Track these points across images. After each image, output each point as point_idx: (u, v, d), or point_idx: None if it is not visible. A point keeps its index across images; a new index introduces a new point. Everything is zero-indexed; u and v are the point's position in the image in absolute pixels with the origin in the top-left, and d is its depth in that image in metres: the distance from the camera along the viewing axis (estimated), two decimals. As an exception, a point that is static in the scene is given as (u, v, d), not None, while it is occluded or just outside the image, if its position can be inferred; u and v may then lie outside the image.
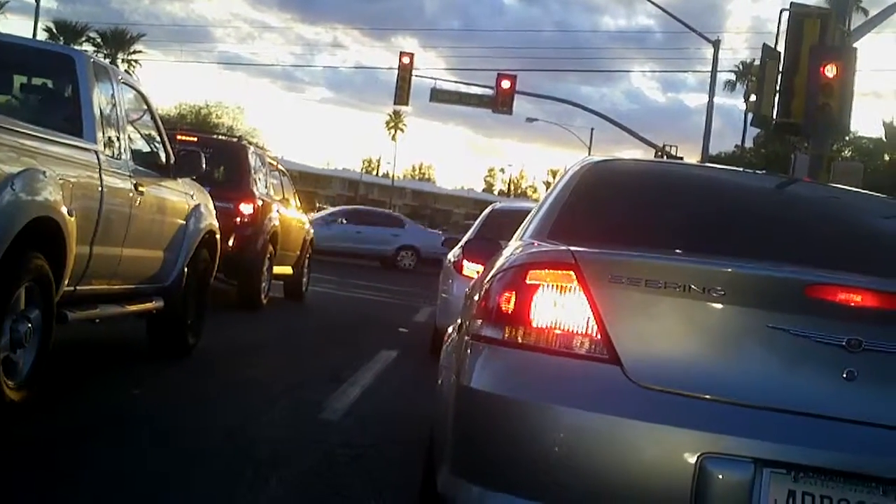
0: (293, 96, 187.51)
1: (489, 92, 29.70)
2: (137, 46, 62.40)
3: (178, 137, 10.78)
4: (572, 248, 2.76)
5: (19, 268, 4.50)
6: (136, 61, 61.57)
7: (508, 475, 2.58)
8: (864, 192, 4.55)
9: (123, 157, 5.97)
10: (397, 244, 26.13)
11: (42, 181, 4.60)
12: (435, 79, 32.93)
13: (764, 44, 15.93)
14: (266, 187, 12.00)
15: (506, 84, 28.56)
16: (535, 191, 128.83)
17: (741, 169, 5.82)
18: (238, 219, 10.95)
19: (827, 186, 5.37)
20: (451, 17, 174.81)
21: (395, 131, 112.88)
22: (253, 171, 11.55)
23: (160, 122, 7.05)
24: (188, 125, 42.08)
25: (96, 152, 5.48)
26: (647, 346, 2.57)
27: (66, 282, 5.08)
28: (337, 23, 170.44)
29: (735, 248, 3.12)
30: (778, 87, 14.78)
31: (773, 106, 14.92)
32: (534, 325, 2.65)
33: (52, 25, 56.91)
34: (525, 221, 3.68)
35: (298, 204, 14.08)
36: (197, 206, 7.24)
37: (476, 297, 3.08)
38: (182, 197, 7.02)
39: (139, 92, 6.76)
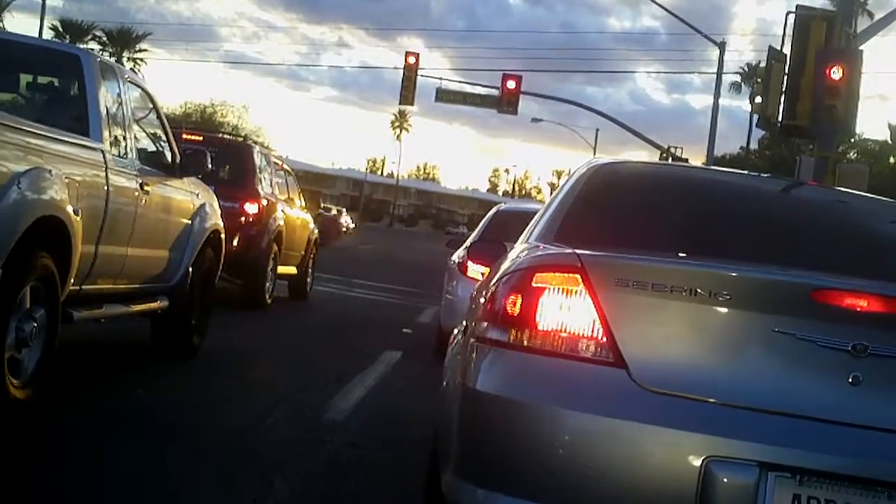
0: (298, 95, 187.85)
1: (494, 92, 29.69)
2: (143, 45, 62.61)
3: (184, 136, 10.80)
4: (578, 251, 2.76)
5: (25, 267, 4.50)
6: (141, 60, 61.73)
7: (513, 477, 2.58)
8: (869, 196, 4.54)
9: (129, 156, 5.98)
10: None
11: (48, 180, 4.61)
12: (440, 79, 33.05)
13: (770, 46, 15.92)
14: (271, 187, 12.01)
15: (511, 84, 28.55)
16: (539, 191, 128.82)
17: (747, 172, 5.81)
18: (243, 218, 10.96)
19: (832, 190, 5.36)
20: (456, 17, 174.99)
21: (400, 131, 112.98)
22: (258, 171, 11.56)
23: (166, 121, 7.06)
24: (193, 124, 42.18)
25: (102, 151, 5.49)
26: (653, 350, 2.57)
27: (72, 281, 5.09)
28: (342, 22, 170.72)
29: (741, 251, 3.12)
30: (783, 89, 14.75)
31: (779, 108, 14.89)
32: (540, 328, 2.65)
33: (58, 24, 57.11)
34: (531, 224, 3.68)
35: (303, 203, 14.08)
36: (202, 206, 7.25)
37: (482, 300, 3.08)
38: (187, 196, 7.03)
39: (145, 91, 6.77)
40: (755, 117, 19.95)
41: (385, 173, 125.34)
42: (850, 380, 2.49)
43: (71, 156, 5.03)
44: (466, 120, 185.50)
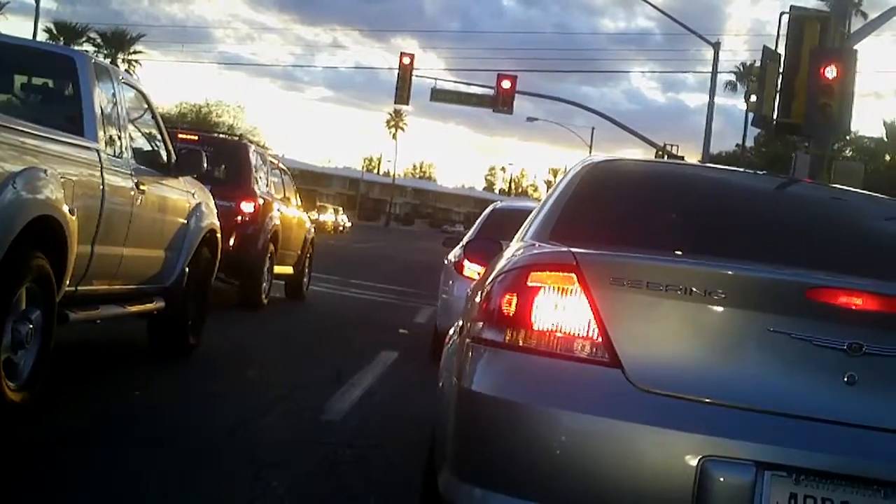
0: (293, 95, 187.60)
1: (489, 92, 29.70)
2: (137, 47, 62.50)
3: (179, 136, 10.78)
4: (574, 249, 2.76)
5: (20, 268, 4.49)
6: (136, 61, 61.64)
7: (509, 477, 2.58)
8: (864, 193, 4.54)
9: (125, 155, 5.97)
10: None
11: (43, 180, 4.60)
12: (435, 79, 32.89)
13: (764, 45, 15.98)
14: (267, 186, 11.99)
15: (506, 84, 28.56)
16: (535, 189, 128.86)
17: (742, 170, 5.81)
18: (239, 218, 10.93)
19: (828, 187, 5.37)
20: (450, 18, 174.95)
21: (396, 130, 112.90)
22: (254, 170, 11.54)
23: (161, 121, 7.05)
24: (189, 124, 42.09)
25: (98, 151, 5.48)
26: (649, 349, 2.57)
27: (68, 282, 5.08)
28: (336, 24, 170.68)
29: (736, 250, 3.12)
30: (778, 88, 14.79)
31: (774, 106, 14.94)
32: (535, 327, 2.65)
33: (52, 26, 56.97)
34: (526, 222, 3.68)
35: (300, 203, 14.06)
36: (198, 205, 7.24)
37: (477, 299, 3.08)
38: (183, 196, 7.02)
39: (140, 91, 6.76)
40: (751, 115, 19.97)
41: (381, 172, 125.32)
42: (846, 379, 2.49)
43: (66, 156, 5.03)
44: (462, 119, 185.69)
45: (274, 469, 4.45)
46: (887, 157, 40.23)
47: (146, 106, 6.83)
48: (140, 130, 6.57)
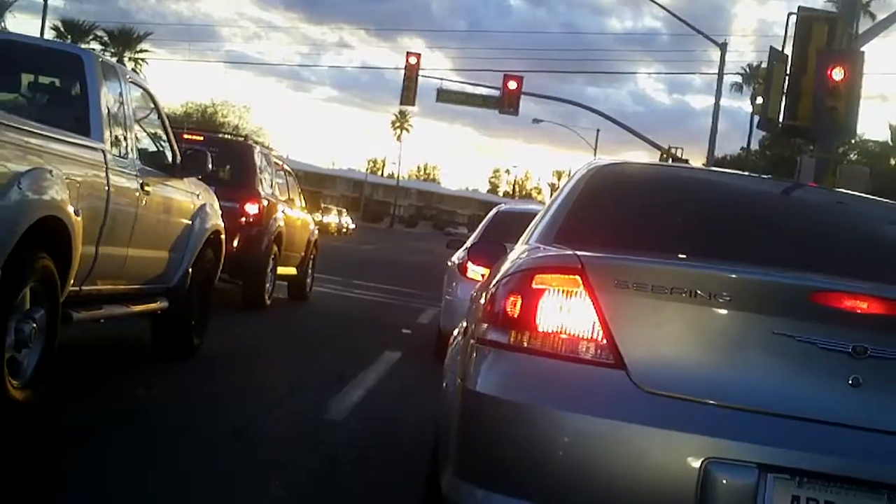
0: (299, 95, 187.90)
1: (495, 93, 29.67)
2: (144, 45, 62.60)
3: (185, 136, 10.79)
4: (578, 252, 2.76)
5: (25, 267, 4.50)
6: (142, 60, 61.74)
7: (513, 478, 2.58)
8: (870, 198, 4.54)
9: (130, 156, 5.98)
10: None
11: (49, 180, 4.61)
12: (441, 79, 33.03)
13: (771, 46, 15.93)
14: (271, 187, 12.00)
15: (512, 85, 28.54)
16: (539, 192, 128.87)
17: (747, 173, 5.81)
18: (243, 219, 10.94)
19: (833, 191, 5.35)
20: (457, 17, 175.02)
21: (401, 131, 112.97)
22: (259, 171, 11.54)
23: (167, 121, 7.06)
24: (194, 124, 42.20)
25: (103, 151, 5.49)
26: (653, 351, 2.57)
27: (72, 282, 5.09)
28: (343, 23, 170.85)
29: (741, 253, 3.11)
30: (785, 90, 14.76)
31: (780, 108, 14.90)
32: (539, 329, 2.65)
33: (59, 24, 57.08)
34: (531, 225, 3.68)
35: (304, 204, 14.07)
36: (202, 206, 7.25)
37: (482, 301, 3.08)
38: (188, 196, 7.03)
39: (146, 91, 6.77)
40: (756, 118, 19.95)
41: (386, 174, 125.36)
42: (850, 381, 2.48)
43: (72, 156, 5.03)
44: (467, 120, 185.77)
45: (276, 469, 4.46)
46: (892, 161, 40.19)
47: (153, 106, 6.84)
48: (146, 130, 6.58)
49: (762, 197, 4.06)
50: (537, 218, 3.69)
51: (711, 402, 2.50)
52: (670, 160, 28.63)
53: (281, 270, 12.14)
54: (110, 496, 3.90)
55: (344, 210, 60.16)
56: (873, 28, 17.10)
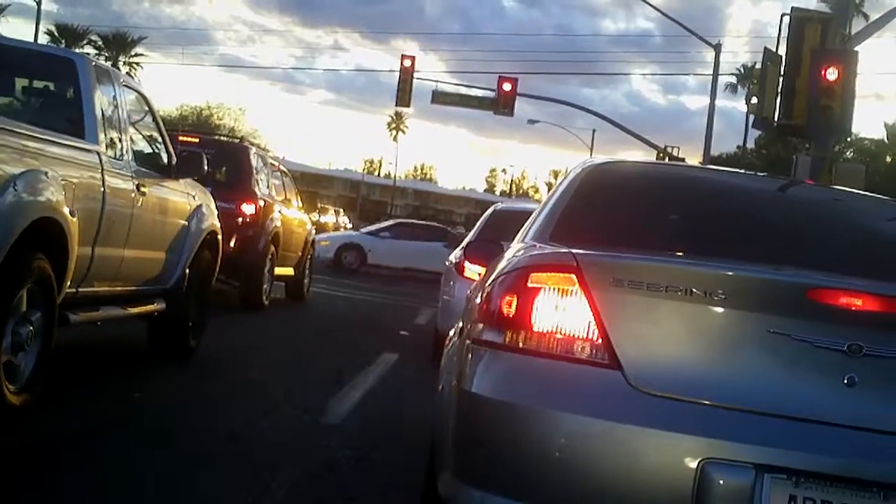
0: (294, 98, 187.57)
1: (490, 94, 29.69)
2: (138, 49, 62.53)
3: (180, 138, 10.79)
4: (574, 250, 2.75)
5: (21, 269, 4.49)
6: (137, 64, 61.66)
7: (509, 480, 2.57)
8: (865, 195, 4.54)
9: (125, 158, 5.97)
10: None
11: (44, 182, 4.61)
12: (436, 81, 32.89)
13: (765, 47, 15.95)
14: (268, 188, 12.01)
15: (507, 86, 28.54)
16: (536, 191, 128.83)
17: (743, 171, 5.81)
18: (240, 219, 10.95)
19: (829, 189, 5.36)
20: (451, 19, 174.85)
21: (397, 132, 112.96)
22: (255, 172, 11.56)
23: (161, 124, 7.06)
24: (190, 126, 42.11)
25: (98, 153, 5.49)
26: (649, 351, 2.57)
27: (69, 283, 5.08)
28: (337, 26, 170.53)
29: (737, 251, 3.11)
30: (779, 90, 14.78)
31: (775, 108, 14.93)
32: (535, 329, 2.64)
33: (53, 29, 57.01)
34: (527, 223, 3.67)
35: (300, 205, 14.08)
36: (199, 207, 7.24)
37: (477, 300, 3.08)
38: (184, 198, 7.03)
39: (140, 94, 6.77)
40: (751, 117, 19.97)
41: (382, 174, 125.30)
42: (846, 380, 2.48)
43: (67, 158, 5.03)
44: (462, 121, 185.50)
45: (274, 471, 4.45)
46: (888, 159, 40.25)
47: (147, 108, 6.84)
48: (141, 133, 6.58)
49: (758, 194, 4.07)
50: (533, 216, 3.69)
51: (707, 402, 2.50)
52: (667, 159, 28.65)
53: (278, 271, 12.15)
54: (108, 499, 3.90)
55: (341, 210, 60.09)
56: (867, 28, 17.14)
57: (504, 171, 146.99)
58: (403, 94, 29.47)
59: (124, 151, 5.98)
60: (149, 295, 6.60)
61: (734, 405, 2.49)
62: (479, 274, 3.92)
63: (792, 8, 14.67)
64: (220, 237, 7.73)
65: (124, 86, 6.38)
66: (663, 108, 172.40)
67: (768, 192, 4.29)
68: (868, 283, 2.67)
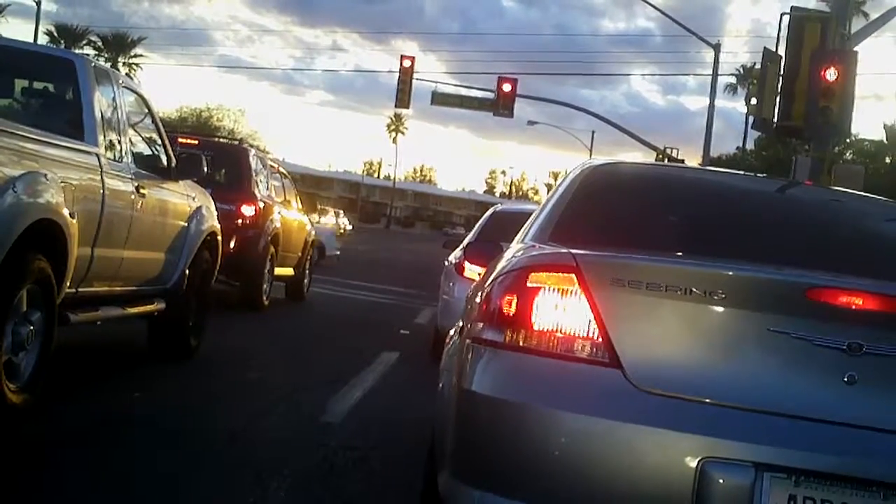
0: (293, 99, 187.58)
1: (490, 95, 29.71)
2: (138, 50, 62.56)
3: (180, 140, 10.81)
4: (573, 250, 2.76)
5: (21, 270, 4.50)
6: (136, 65, 61.68)
7: (509, 479, 2.57)
8: (865, 195, 4.55)
9: (125, 159, 5.98)
10: None
11: (44, 184, 4.61)
12: (436, 82, 33.05)
13: (765, 47, 15.96)
14: (267, 189, 12.03)
15: (507, 87, 28.57)
16: (536, 193, 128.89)
17: (742, 172, 5.82)
18: (240, 220, 10.97)
19: (828, 189, 5.37)
20: (451, 20, 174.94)
21: (396, 134, 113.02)
22: (254, 174, 11.58)
23: (161, 125, 7.06)
24: (189, 128, 42.13)
25: (98, 155, 5.49)
26: (648, 350, 2.57)
27: (68, 284, 5.09)
28: (336, 26, 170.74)
29: (736, 251, 3.12)
30: (779, 91, 14.79)
31: (774, 109, 14.94)
32: (535, 328, 2.65)
33: (52, 29, 57.02)
34: (526, 224, 3.68)
35: (300, 206, 14.11)
36: (198, 208, 7.25)
37: (477, 300, 3.08)
38: (183, 199, 7.03)
39: (140, 95, 6.77)
40: (751, 118, 19.97)
41: (382, 176, 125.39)
42: (846, 379, 2.48)
43: (66, 160, 5.03)
44: (462, 122, 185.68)
45: (274, 470, 4.45)
46: (887, 160, 40.26)
47: (146, 110, 6.84)
48: (140, 134, 6.58)
49: (757, 195, 4.07)
50: (532, 217, 3.69)
51: (707, 400, 2.50)
52: (666, 160, 28.67)
53: (278, 271, 12.18)
54: (108, 498, 3.90)
55: (341, 211, 60.12)
56: (866, 28, 17.14)
57: (504, 172, 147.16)
58: (403, 95, 29.48)
59: (124, 153, 5.98)
60: (149, 295, 6.61)
61: (734, 404, 2.49)
62: (479, 274, 3.92)
63: (791, 7, 14.68)
64: (219, 238, 7.74)
65: (124, 87, 6.38)
66: (663, 109, 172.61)
67: (767, 192, 4.30)
68: (867, 283, 2.68)
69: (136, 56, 62.29)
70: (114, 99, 6.06)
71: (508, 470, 2.58)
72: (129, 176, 5.96)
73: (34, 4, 42.38)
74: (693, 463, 2.41)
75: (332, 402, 6.22)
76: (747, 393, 2.50)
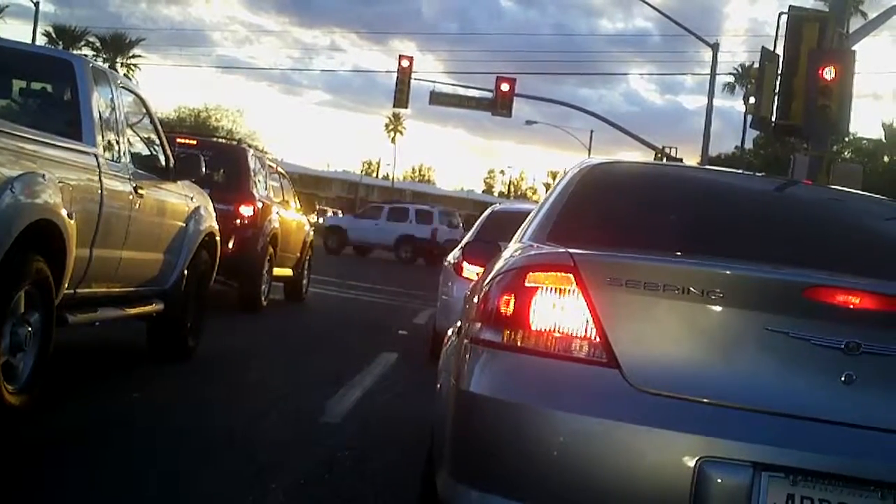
0: (291, 99, 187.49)
1: (488, 94, 29.72)
2: (136, 50, 62.37)
3: (178, 141, 10.80)
4: (571, 250, 2.76)
5: (19, 271, 4.50)
6: (134, 65, 61.54)
7: (507, 479, 2.57)
8: (863, 194, 4.55)
9: (123, 160, 5.98)
10: None
11: (42, 184, 4.61)
12: (434, 82, 32.97)
13: (763, 46, 15.96)
14: (266, 189, 12.02)
15: (505, 87, 28.58)
16: (535, 192, 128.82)
17: (740, 171, 5.82)
18: (238, 221, 10.97)
19: (826, 188, 5.37)
20: (449, 20, 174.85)
21: (395, 134, 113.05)
22: (252, 174, 11.57)
23: (159, 126, 7.06)
24: (187, 128, 42.13)
25: (96, 155, 5.49)
26: (646, 349, 2.57)
27: (66, 285, 5.09)
28: (334, 26, 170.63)
29: (734, 250, 3.11)
30: (777, 90, 14.79)
31: (773, 108, 14.93)
32: (533, 328, 2.64)
33: (51, 30, 56.87)
34: (524, 223, 3.68)
35: (298, 206, 14.10)
36: (197, 209, 7.25)
37: (475, 300, 3.08)
38: (182, 199, 7.03)
39: (138, 96, 6.77)
40: (749, 117, 19.98)
41: (380, 175, 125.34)
42: (843, 378, 2.48)
43: (64, 160, 5.03)
44: (460, 122, 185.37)
45: (273, 471, 4.45)
46: (886, 159, 40.29)
47: (144, 110, 6.84)
48: (138, 135, 6.58)
49: (755, 194, 4.07)
50: (530, 217, 3.69)
51: (705, 400, 2.50)
52: (665, 159, 28.67)
53: (277, 272, 12.18)
54: (107, 499, 3.90)
55: (340, 211, 60.10)
56: (864, 27, 17.13)
57: (502, 172, 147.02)
58: (401, 94, 29.48)
59: (122, 154, 5.98)
60: (147, 296, 6.61)
61: (732, 403, 2.49)
62: (477, 274, 3.92)
63: (789, 7, 14.66)
64: (218, 238, 7.74)
65: (122, 88, 6.38)
66: (661, 108, 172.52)
67: (765, 191, 4.29)
68: (865, 282, 2.67)
69: (134, 57, 62.18)
70: (112, 99, 6.06)
71: (507, 470, 2.58)
72: (128, 176, 5.96)
73: (32, 6, 42.38)
74: (691, 463, 2.41)
75: (332, 403, 6.23)
76: (745, 392, 2.50)
